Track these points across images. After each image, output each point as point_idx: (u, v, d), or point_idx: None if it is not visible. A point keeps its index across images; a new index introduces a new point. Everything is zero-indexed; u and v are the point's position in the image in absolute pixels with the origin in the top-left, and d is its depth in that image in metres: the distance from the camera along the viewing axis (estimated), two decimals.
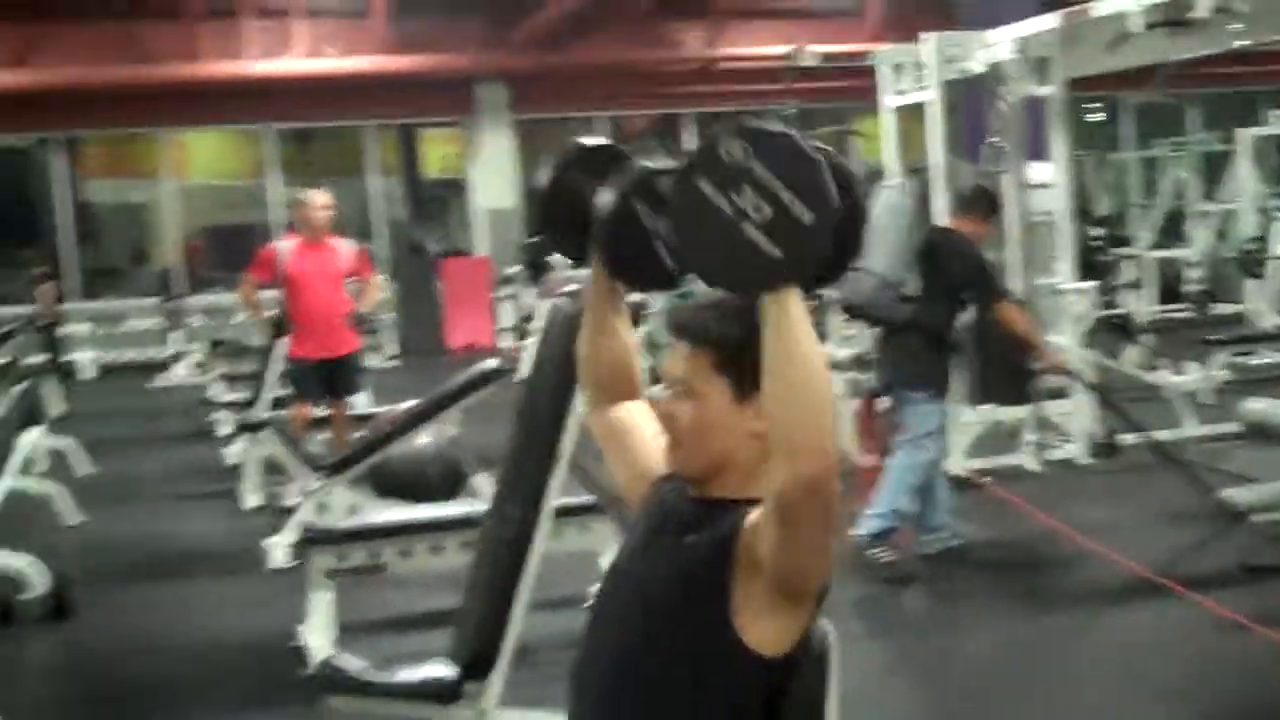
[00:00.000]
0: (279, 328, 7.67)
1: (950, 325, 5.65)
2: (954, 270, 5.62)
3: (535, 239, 15.06)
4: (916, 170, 7.48)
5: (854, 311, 6.10)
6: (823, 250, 1.66)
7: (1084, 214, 15.31)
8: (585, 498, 4.61)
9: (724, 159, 1.66)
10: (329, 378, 7.30)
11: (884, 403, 5.92)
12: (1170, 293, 13.81)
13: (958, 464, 6.11)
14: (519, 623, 3.24)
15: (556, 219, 2.16)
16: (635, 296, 2.30)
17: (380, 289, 8.28)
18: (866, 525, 5.50)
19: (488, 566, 3.36)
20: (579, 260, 2.15)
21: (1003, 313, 5.64)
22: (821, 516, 1.71)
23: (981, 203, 5.95)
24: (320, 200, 7.29)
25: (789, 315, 1.67)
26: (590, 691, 1.93)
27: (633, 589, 1.91)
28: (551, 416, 3.29)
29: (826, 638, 1.89)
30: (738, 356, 1.86)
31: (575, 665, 1.97)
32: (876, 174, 7.07)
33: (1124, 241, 14.52)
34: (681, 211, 1.70)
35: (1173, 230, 15.25)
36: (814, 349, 1.68)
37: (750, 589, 1.80)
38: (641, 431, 2.11)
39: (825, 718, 1.89)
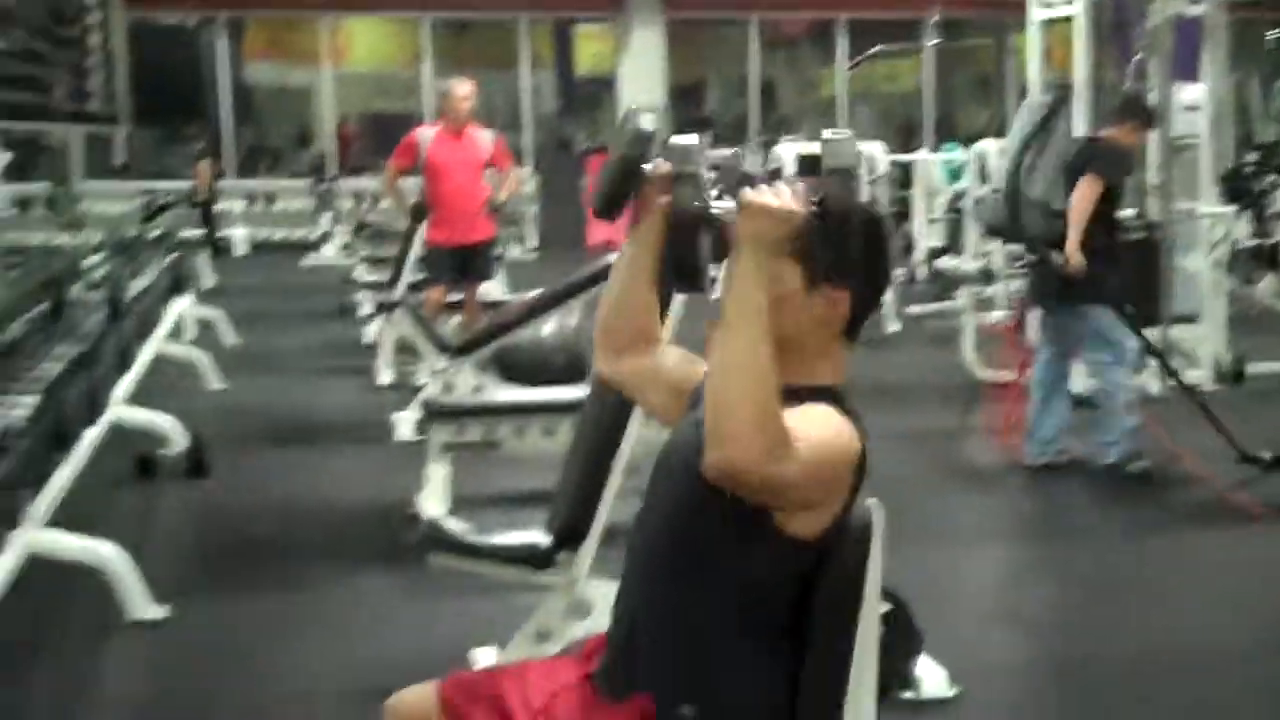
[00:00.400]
0: (419, 213, 7.89)
1: (1103, 237, 5.58)
2: (1094, 162, 5.56)
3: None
4: (1062, 86, 7.37)
5: (992, 231, 6.13)
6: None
7: (1246, 139, 14.87)
8: None
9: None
10: (462, 263, 7.50)
11: (1027, 317, 5.98)
12: None
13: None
14: (610, 501, 3.38)
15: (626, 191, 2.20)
16: None
17: (518, 180, 8.44)
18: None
19: (584, 446, 3.50)
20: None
21: (1082, 184, 5.52)
22: (755, 489, 1.82)
23: (1132, 111, 5.86)
24: (462, 90, 7.43)
25: (720, 332, 1.82)
26: (640, 555, 2.06)
27: (684, 462, 2.01)
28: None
29: (869, 518, 1.98)
30: (810, 244, 1.95)
31: (631, 529, 2.10)
32: (1063, 87, 6.95)
33: None
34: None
35: None
36: (739, 362, 1.79)
37: None
38: (668, 358, 2.20)
39: (864, 593, 1.99)
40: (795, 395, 1.92)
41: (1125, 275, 5.72)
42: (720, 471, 1.78)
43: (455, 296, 7.65)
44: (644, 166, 2.09)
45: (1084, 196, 5.49)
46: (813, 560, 1.95)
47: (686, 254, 2.03)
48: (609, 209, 2.14)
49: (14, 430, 3.83)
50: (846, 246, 1.99)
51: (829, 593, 1.98)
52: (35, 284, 5.86)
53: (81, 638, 4.03)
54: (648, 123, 2.14)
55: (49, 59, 4.80)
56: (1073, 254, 5.46)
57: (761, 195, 1.84)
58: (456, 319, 7.76)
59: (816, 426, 1.89)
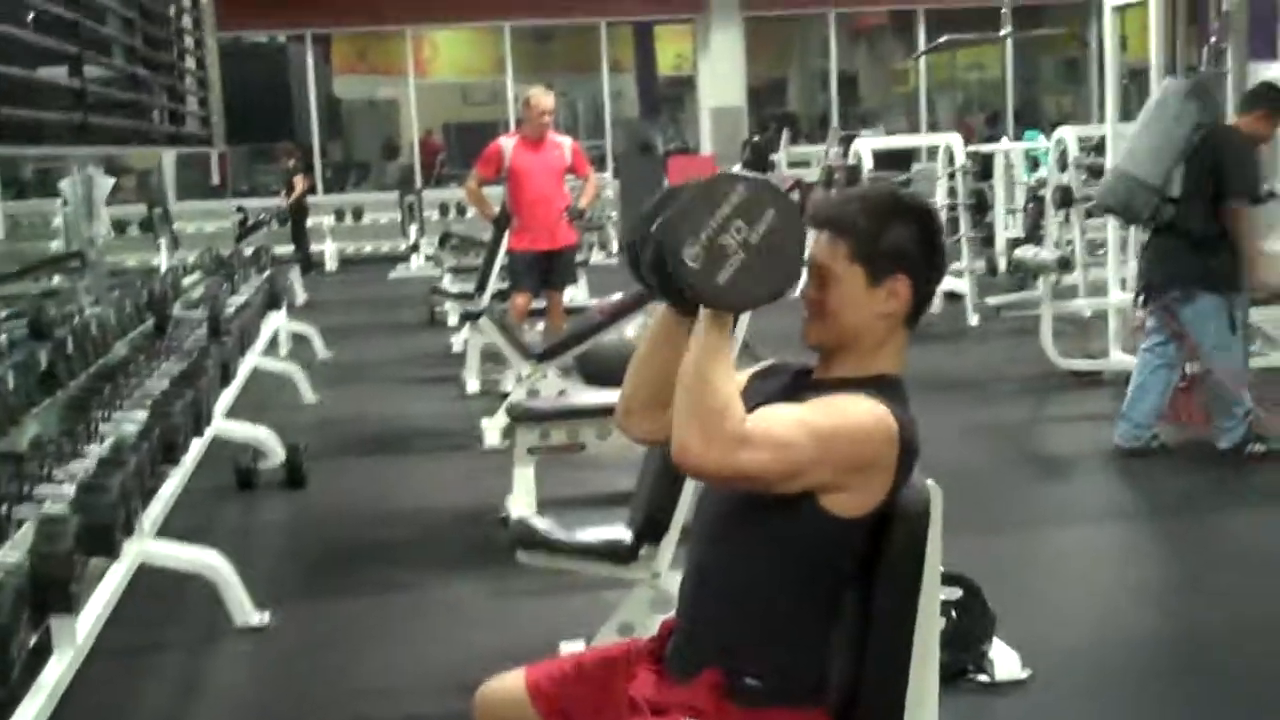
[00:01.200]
0: (502, 222, 8.06)
1: (1214, 224, 5.58)
2: (1221, 166, 5.58)
3: (758, 138, 15.21)
4: (1136, 72, 7.37)
5: (1108, 211, 6.17)
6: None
7: None
8: None
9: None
10: (546, 270, 7.66)
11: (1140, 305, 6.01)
12: None
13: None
14: (689, 496, 3.49)
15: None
16: None
17: (598, 186, 8.58)
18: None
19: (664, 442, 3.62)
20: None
21: (1236, 215, 5.58)
22: (726, 480, 2.00)
23: (1263, 100, 5.82)
24: (544, 103, 7.57)
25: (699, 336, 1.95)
26: (703, 527, 2.20)
27: None
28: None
29: (926, 495, 2.08)
30: (871, 245, 2.10)
31: (696, 512, 2.23)
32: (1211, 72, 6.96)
33: None
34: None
35: None
36: (707, 369, 1.93)
37: None
38: None
39: (926, 569, 2.08)
40: (846, 386, 2.07)
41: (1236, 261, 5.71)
42: (681, 468, 1.97)
43: (539, 303, 7.80)
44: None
45: (1244, 219, 5.56)
46: (865, 538, 2.06)
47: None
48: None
49: (126, 444, 4.03)
50: (897, 238, 2.11)
51: (887, 572, 2.07)
52: (138, 303, 6.10)
53: (189, 643, 4.22)
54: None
55: (147, 84, 5.01)
56: (1261, 257, 5.58)
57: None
58: (541, 325, 7.92)
59: (828, 412, 2.02)
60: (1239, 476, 5.52)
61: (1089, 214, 8.44)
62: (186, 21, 6.22)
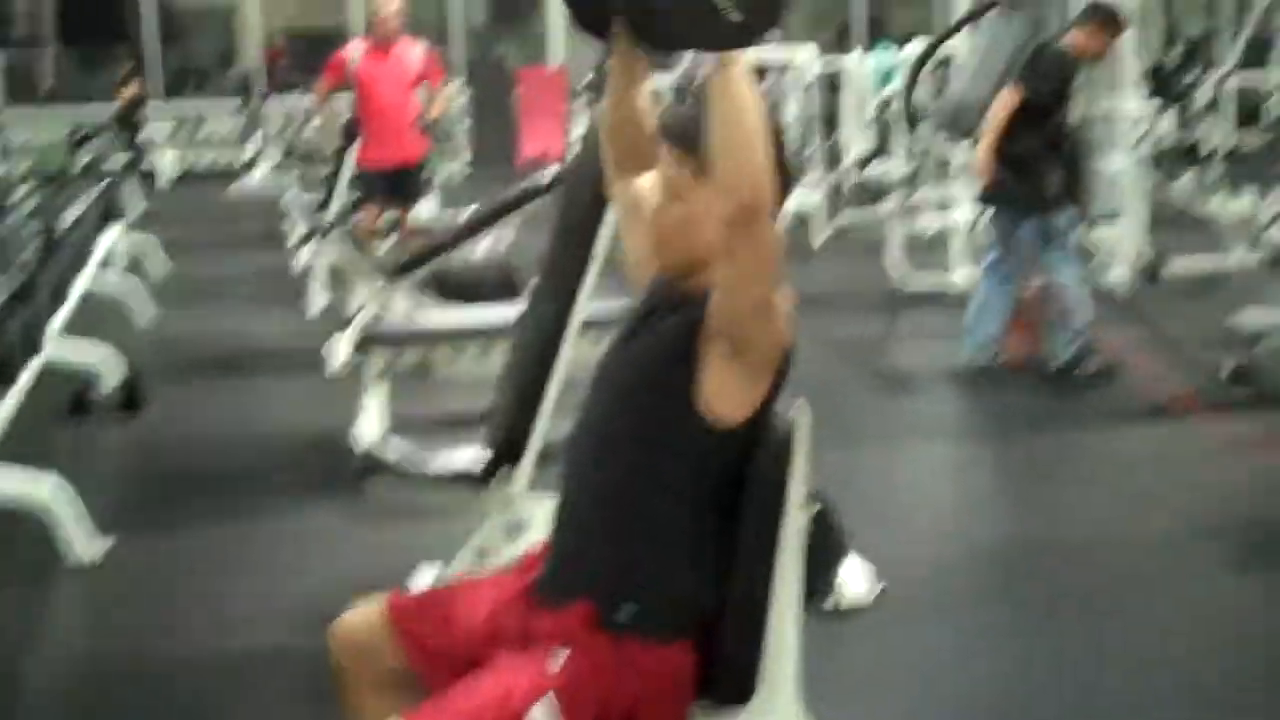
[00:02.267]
0: (350, 133, 7.83)
1: (1035, 142, 5.65)
2: (1037, 77, 5.64)
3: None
4: None
5: (940, 129, 6.22)
6: (776, 16, 1.90)
7: (1169, 35, 14.98)
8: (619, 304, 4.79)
9: None
10: (396, 184, 7.47)
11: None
12: (1249, 119, 13.56)
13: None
14: (548, 416, 3.44)
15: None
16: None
17: (449, 96, 8.39)
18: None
19: (520, 361, 3.56)
20: (602, 37, 2.24)
21: (1000, 95, 5.62)
22: (755, 250, 1.93)
23: (1092, 16, 5.86)
24: (390, 7, 7.35)
25: (736, 69, 1.89)
26: (575, 455, 2.17)
27: (617, 365, 2.14)
28: (587, 215, 3.42)
29: (794, 421, 2.07)
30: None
31: (570, 434, 2.19)
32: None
33: (1208, 65, 14.19)
34: None
35: (1260, 55, 14.82)
36: (752, 100, 1.90)
37: (710, 356, 2.01)
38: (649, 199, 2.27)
39: (788, 496, 2.07)
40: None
41: (1063, 180, 5.80)
42: (748, 209, 1.90)
43: (387, 217, 7.63)
44: None
45: (1001, 105, 5.58)
46: (738, 452, 2.04)
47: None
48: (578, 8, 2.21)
49: None
50: None
51: (755, 490, 2.07)
52: None
53: (24, 574, 4.07)
54: None
55: None
56: (982, 163, 5.58)
57: None
58: (390, 241, 7.75)
59: None
60: (1069, 396, 5.65)
61: (936, 130, 8.55)
62: None
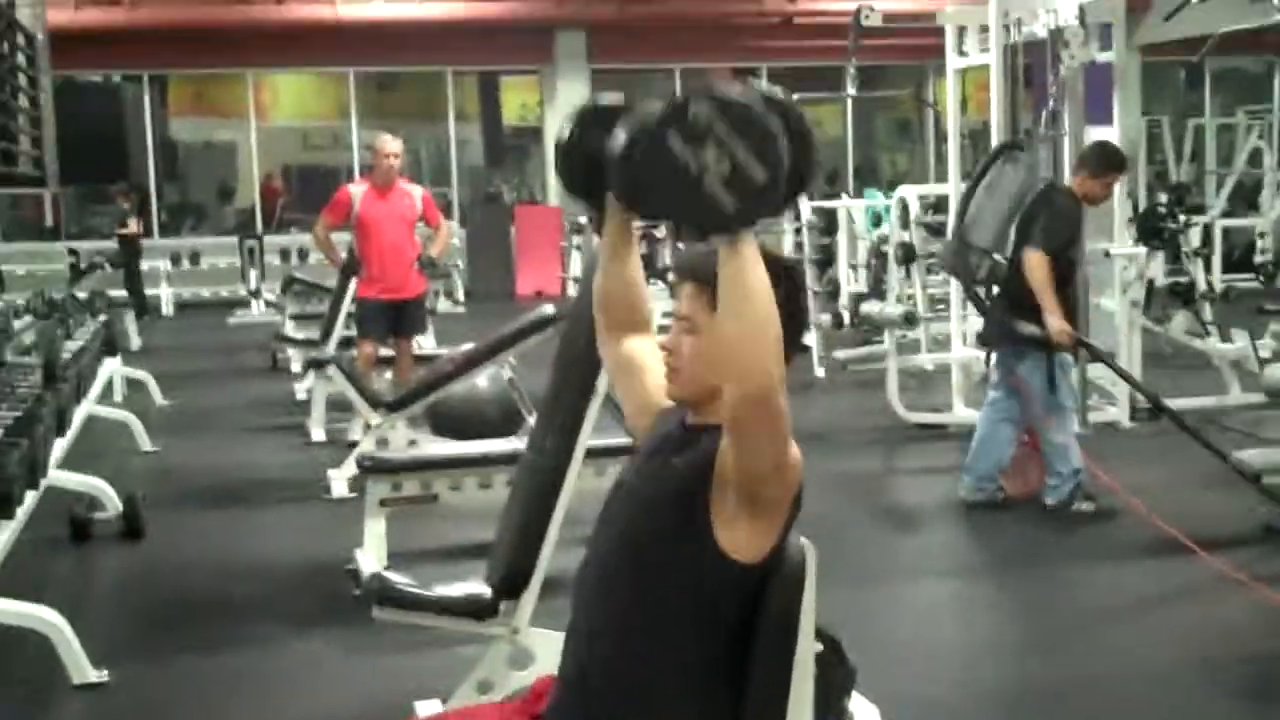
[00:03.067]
0: (350, 269, 7.93)
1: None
2: (1034, 221, 5.72)
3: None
4: (974, 133, 7.59)
5: (947, 272, 6.28)
6: (774, 204, 1.89)
7: (1158, 179, 15.25)
8: (622, 439, 4.81)
9: (692, 118, 1.84)
10: (394, 318, 7.55)
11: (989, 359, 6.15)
12: (1242, 263, 13.75)
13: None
14: (550, 550, 3.44)
15: (574, 170, 2.36)
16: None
17: (449, 235, 8.51)
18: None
19: (523, 495, 3.57)
20: (596, 208, 2.34)
21: (1030, 259, 5.68)
22: (769, 428, 1.93)
23: (1092, 159, 5.94)
24: (389, 148, 7.49)
25: (741, 256, 1.88)
26: (586, 591, 2.16)
27: (628, 501, 2.14)
28: (588, 353, 3.46)
29: (803, 554, 2.08)
30: None
31: (579, 568, 2.19)
32: (1048, 135, 7.16)
33: (1197, 209, 14.44)
34: (650, 161, 1.87)
35: (1247, 199, 15.11)
36: (762, 286, 1.89)
37: (724, 499, 2.02)
38: (648, 368, 2.32)
39: (800, 629, 2.08)
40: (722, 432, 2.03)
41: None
42: (757, 398, 1.90)
43: (387, 352, 7.69)
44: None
45: (1038, 268, 5.62)
46: (752, 588, 2.05)
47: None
48: (570, 177, 2.36)
49: None
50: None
51: (766, 626, 2.07)
52: None
53: (22, 702, 4.02)
54: (609, 99, 2.38)
55: None
56: (1059, 329, 5.62)
57: None
58: (389, 374, 7.80)
59: None
60: (1069, 532, 5.64)
61: (929, 270, 8.67)
62: (20, 60, 6.03)
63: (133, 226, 14.74)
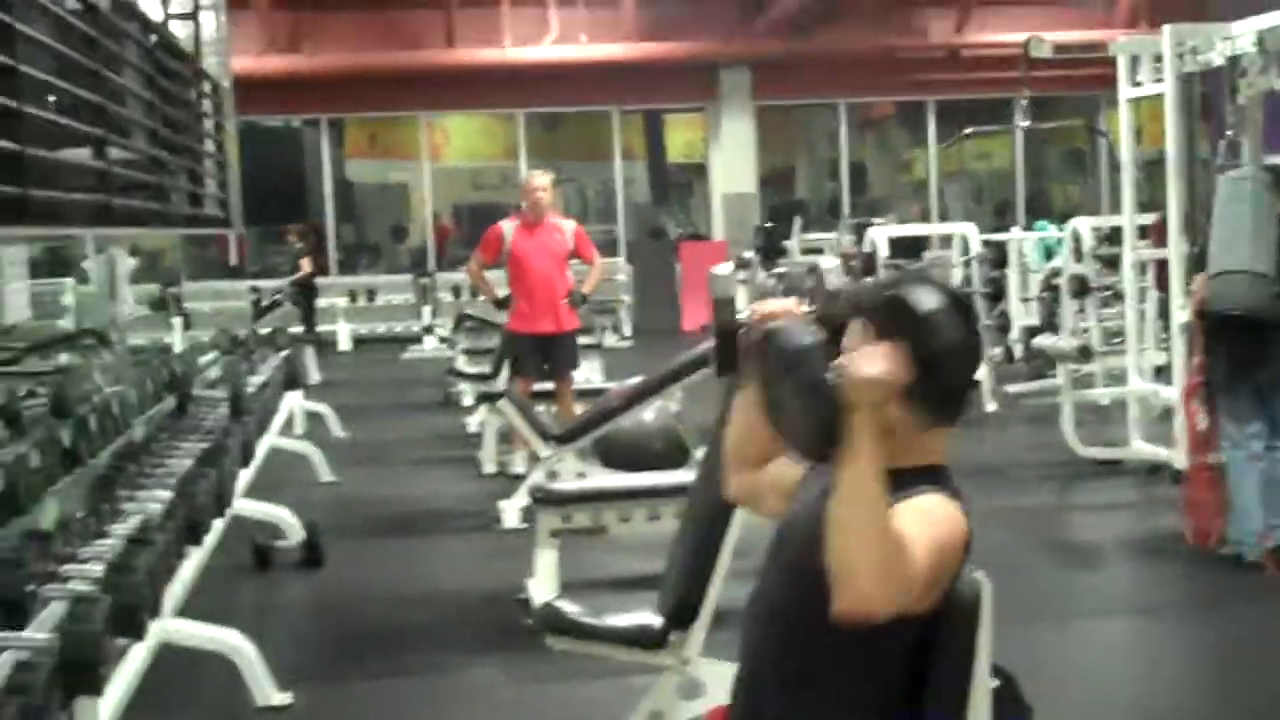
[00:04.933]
0: (505, 305, 8.04)
1: None
2: None
3: (769, 224, 15.34)
4: (1151, 163, 7.40)
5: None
6: (812, 438, 1.93)
7: None
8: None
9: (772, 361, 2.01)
10: (545, 354, 7.57)
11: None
12: None
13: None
14: (720, 582, 3.47)
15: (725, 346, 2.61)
16: None
17: (604, 271, 8.56)
18: (1250, 538, 5.39)
19: (692, 527, 3.60)
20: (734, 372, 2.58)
21: None
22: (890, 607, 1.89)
23: None
24: (535, 181, 7.57)
25: (840, 480, 1.88)
26: (756, 626, 2.17)
27: (797, 538, 2.13)
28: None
29: (977, 589, 2.06)
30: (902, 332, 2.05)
31: (749, 602, 2.21)
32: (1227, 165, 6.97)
33: None
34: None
35: None
36: (856, 511, 1.86)
37: None
38: (777, 465, 2.33)
39: (976, 666, 2.06)
40: (901, 478, 2.01)
41: None
42: (850, 619, 1.87)
43: (539, 386, 7.70)
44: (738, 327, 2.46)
45: None
46: (925, 630, 2.04)
47: (727, 353, 2.63)
48: (728, 369, 2.65)
49: (152, 524, 4.01)
50: (934, 326, 2.07)
51: (942, 664, 2.07)
52: (158, 382, 6.10)
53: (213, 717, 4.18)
54: (728, 287, 2.71)
55: (167, 166, 5.11)
56: None
57: (863, 365, 1.92)
58: (551, 409, 7.88)
59: (929, 524, 1.98)
60: (1253, 575, 5.39)
61: (1104, 303, 8.48)
62: (206, 106, 6.30)
63: (306, 266, 15.19)
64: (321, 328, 15.31)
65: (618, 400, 6.50)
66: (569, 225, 7.79)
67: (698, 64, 17.02)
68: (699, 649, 3.44)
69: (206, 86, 6.30)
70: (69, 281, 11.88)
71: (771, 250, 13.81)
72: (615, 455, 6.58)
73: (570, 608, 3.59)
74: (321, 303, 15.58)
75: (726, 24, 16.55)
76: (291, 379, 8.28)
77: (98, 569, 3.62)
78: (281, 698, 4.22)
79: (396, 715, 4.24)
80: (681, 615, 3.46)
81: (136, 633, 3.54)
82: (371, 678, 4.58)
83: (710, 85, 17.58)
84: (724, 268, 2.45)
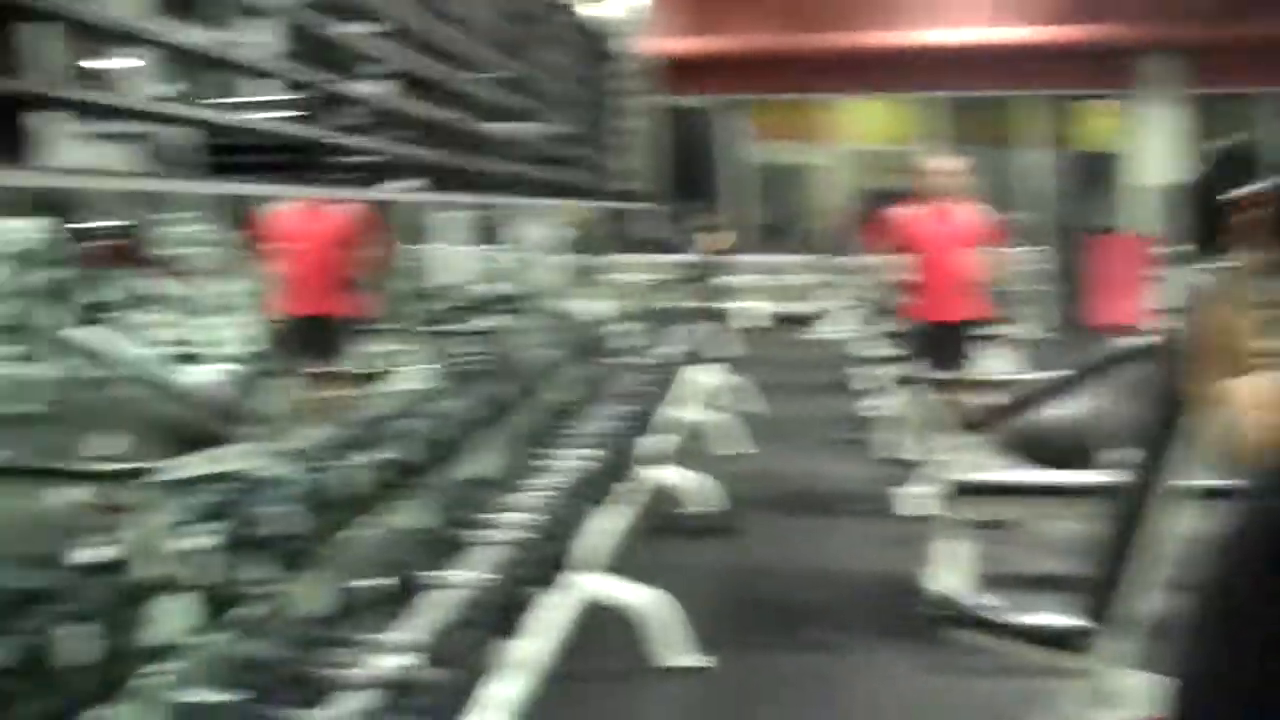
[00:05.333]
0: (903, 290, 7.91)
1: None
2: None
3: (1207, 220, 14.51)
4: None
5: None
6: None
7: None
8: (1222, 480, 4.54)
9: None
10: (943, 340, 7.36)
11: None
12: None
13: None
14: (1143, 589, 3.31)
15: (1201, 210, 2.28)
16: None
17: (1011, 259, 8.26)
18: None
19: (1115, 530, 3.45)
20: (1218, 250, 2.24)
21: None
22: None
23: None
24: (944, 165, 7.39)
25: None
26: (1183, 639, 2.06)
27: (1224, 544, 2.00)
28: (1178, 391, 3.29)
29: None
30: None
31: (1171, 613, 2.10)
32: None
33: None
34: None
35: None
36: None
37: None
38: (1254, 407, 2.17)
39: None
40: None
41: None
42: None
43: (934, 374, 7.48)
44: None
45: None
46: None
47: None
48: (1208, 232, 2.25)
49: (574, 481, 4.20)
50: None
51: None
52: (581, 346, 6.38)
53: (619, 679, 4.33)
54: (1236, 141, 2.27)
55: (588, 142, 5.36)
56: None
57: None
58: (944, 396, 7.67)
59: None
60: None
61: None
62: (626, 85, 6.50)
63: (716, 243, 15.45)
64: (727, 305, 15.57)
65: (1033, 392, 6.30)
66: (976, 210, 7.53)
67: (1113, 49, 16.26)
68: (1119, 657, 3.31)
69: (626, 66, 6.51)
70: (496, 248, 12.55)
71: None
72: (1029, 448, 6.39)
73: (978, 600, 3.52)
74: (730, 280, 15.83)
75: (1148, 6, 15.72)
76: (700, 352, 8.47)
77: (522, 519, 3.82)
78: (694, 660, 4.33)
79: (801, 689, 4.28)
80: (1101, 620, 3.32)
81: (559, 584, 3.71)
82: (781, 649, 4.66)
83: (1127, 72, 16.76)
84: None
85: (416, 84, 3.37)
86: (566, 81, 5.23)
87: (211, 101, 2.58)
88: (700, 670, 4.32)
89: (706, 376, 9.17)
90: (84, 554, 2.72)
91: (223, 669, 2.52)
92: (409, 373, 8.07)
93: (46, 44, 1.79)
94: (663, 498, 6.07)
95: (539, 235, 7.12)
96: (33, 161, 1.71)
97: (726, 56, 16.35)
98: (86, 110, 1.92)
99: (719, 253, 15.61)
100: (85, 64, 2.03)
